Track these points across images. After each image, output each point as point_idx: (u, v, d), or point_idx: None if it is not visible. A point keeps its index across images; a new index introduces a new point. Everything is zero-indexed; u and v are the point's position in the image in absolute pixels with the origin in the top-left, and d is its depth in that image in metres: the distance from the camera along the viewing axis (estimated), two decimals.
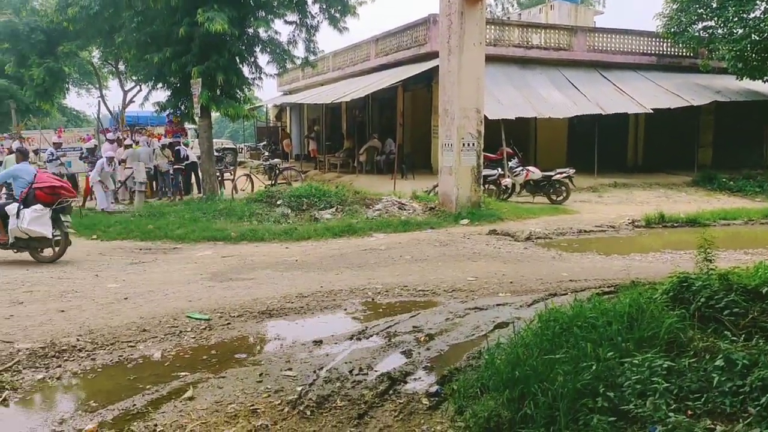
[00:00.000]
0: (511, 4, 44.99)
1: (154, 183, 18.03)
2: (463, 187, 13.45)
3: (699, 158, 22.48)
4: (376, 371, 4.83)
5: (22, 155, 10.42)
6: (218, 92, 15.08)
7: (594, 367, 3.64)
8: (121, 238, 11.57)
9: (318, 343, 5.54)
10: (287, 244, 10.86)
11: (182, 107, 16.45)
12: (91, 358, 5.21)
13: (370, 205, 13.69)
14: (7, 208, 9.33)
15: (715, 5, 19.49)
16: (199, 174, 17.47)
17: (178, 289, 7.56)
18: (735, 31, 19.23)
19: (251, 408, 4.19)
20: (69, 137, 20.64)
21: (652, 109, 19.93)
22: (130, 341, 5.61)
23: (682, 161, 22.29)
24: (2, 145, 18.86)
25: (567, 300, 5.48)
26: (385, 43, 23.74)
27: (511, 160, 17.58)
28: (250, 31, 15.65)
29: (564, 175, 16.40)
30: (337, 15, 16.05)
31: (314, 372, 4.82)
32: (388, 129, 23.60)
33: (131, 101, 27.94)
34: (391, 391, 4.43)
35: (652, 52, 23.15)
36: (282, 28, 46.09)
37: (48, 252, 9.57)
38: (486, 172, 15.19)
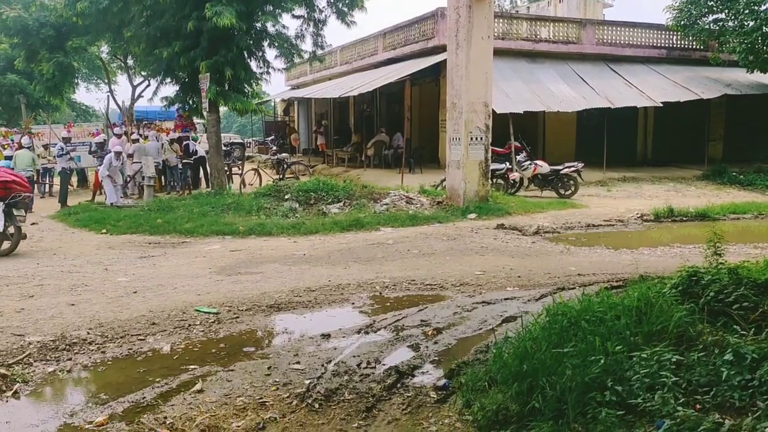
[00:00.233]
0: None
1: (162, 177, 18.11)
2: (471, 181, 13.43)
3: (709, 152, 22.31)
4: (384, 365, 4.84)
5: None
6: (226, 87, 15.11)
7: (602, 361, 3.64)
8: (130, 232, 11.63)
9: (326, 336, 5.56)
10: (295, 238, 10.89)
11: (191, 102, 16.51)
12: (101, 351, 5.26)
13: (378, 199, 13.69)
14: None
15: None
16: (208, 168, 17.52)
17: (186, 282, 7.60)
18: (746, 24, 19.05)
19: (260, 401, 4.22)
20: (78, 132, 20.75)
21: (661, 103, 19.80)
22: (140, 334, 5.65)
23: (691, 155, 22.14)
24: (12, 140, 18.94)
25: (575, 294, 5.46)
26: (393, 37, 23.68)
27: (519, 155, 17.53)
28: (258, 25, 15.65)
29: (572, 169, 16.34)
30: (345, 9, 16.04)
31: (322, 365, 4.83)
32: (396, 123, 23.56)
33: (140, 96, 28.05)
34: (398, 385, 4.45)
35: (662, 45, 22.97)
36: (290, 23, 46.20)
37: (5, 245, 9.64)
38: (494, 166, 15.15)
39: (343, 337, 5.57)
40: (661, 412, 3.21)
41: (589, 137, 21.41)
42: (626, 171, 20.41)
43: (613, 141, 20.62)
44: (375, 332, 5.67)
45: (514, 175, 16.46)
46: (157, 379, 4.64)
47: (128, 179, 16.65)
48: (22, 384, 4.61)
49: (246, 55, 15.58)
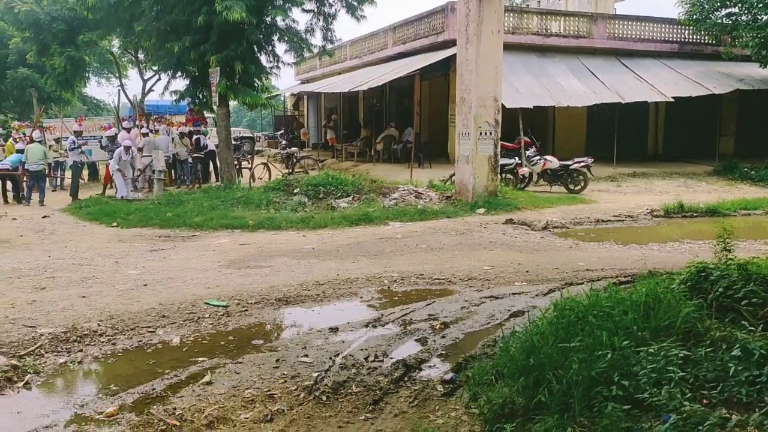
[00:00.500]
0: None
1: (173, 171, 18.19)
2: (480, 176, 13.41)
3: (720, 147, 22.13)
4: (391, 358, 4.86)
5: None
6: (236, 81, 15.12)
7: (609, 356, 3.64)
8: (140, 225, 11.71)
9: (334, 330, 5.59)
10: (304, 232, 10.92)
11: (201, 96, 16.56)
12: (111, 343, 5.31)
13: (387, 193, 13.70)
14: None
15: None
16: (217, 162, 17.58)
17: (196, 276, 7.65)
18: (759, 18, 18.87)
19: (268, 393, 4.26)
20: (90, 126, 20.89)
21: (672, 98, 19.65)
22: (150, 327, 5.70)
23: (703, 150, 21.96)
24: (24, 134, 19.06)
25: (583, 289, 5.45)
26: (403, 31, 23.64)
27: (528, 149, 17.47)
28: (268, 19, 15.64)
29: (582, 164, 16.27)
30: (355, 3, 16.01)
31: (330, 358, 4.87)
32: (406, 118, 23.54)
33: (150, 90, 28.17)
34: (406, 378, 4.47)
35: (674, 39, 22.77)
36: (299, 17, 46.11)
37: None
38: (503, 161, 15.12)
39: (351, 330, 5.60)
40: (668, 407, 3.21)
41: (599, 132, 21.31)
42: (636, 166, 20.29)
43: (623, 136, 20.52)
44: (383, 326, 5.69)
45: (524, 170, 16.41)
46: (167, 371, 4.69)
47: (138, 173, 16.74)
48: (33, 375, 4.66)
49: (256, 50, 15.61)
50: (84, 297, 6.66)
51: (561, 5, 27.58)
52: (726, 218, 11.35)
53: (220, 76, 14.61)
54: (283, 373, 4.60)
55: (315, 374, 4.53)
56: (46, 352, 5.09)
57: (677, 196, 13.87)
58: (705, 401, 3.28)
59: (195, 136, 18.37)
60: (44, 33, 21.68)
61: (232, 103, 18.34)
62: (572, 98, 19.22)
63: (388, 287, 7.13)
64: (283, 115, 37.20)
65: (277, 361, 4.86)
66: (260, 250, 9.35)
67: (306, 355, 4.97)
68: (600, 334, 3.92)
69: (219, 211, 12.39)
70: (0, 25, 30.10)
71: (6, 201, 15.66)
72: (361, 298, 6.77)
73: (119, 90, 26.95)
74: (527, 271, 7.76)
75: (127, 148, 15.18)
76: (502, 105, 14.04)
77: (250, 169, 18.41)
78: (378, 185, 14.44)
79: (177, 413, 3.95)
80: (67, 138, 17.61)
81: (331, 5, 16.27)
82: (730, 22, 20.05)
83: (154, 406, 4.07)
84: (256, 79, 16.17)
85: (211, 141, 18.79)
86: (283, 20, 15.85)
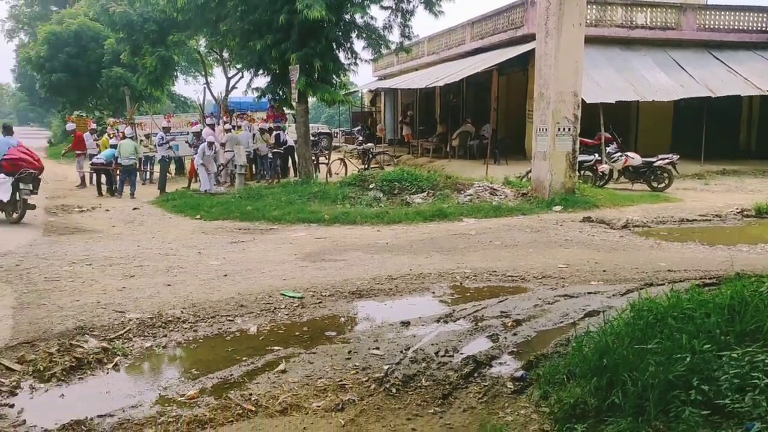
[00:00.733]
0: None
1: (253, 166, 18.75)
2: (557, 172, 13.12)
3: None
4: (461, 354, 4.86)
5: (6, 130, 11.92)
6: (315, 78, 15.42)
7: (688, 359, 3.50)
8: (222, 218, 12.15)
9: (405, 324, 5.63)
10: (378, 227, 11.03)
11: (281, 93, 16.98)
12: (193, 330, 5.57)
13: (462, 190, 13.63)
14: None
15: None
16: (296, 158, 17.98)
17: (273, 267, 7.88)
18: None
19: (339, 383, 4.35)
20: (177, 122, 21.80)
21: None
22: (229, 315, 5.93)
23: None
24: (117, 130, 20.12)
25: (663, 290, 5.26)
26: (481, 26, 23.39)
27: (609, 146, 16.93)
28: (347, 17, 15.86)
29: (666, 161, 15.60)
30: None
31: (401, 352, 4.92)
32: (482, 114, 23.31)
33: (234, 87, 29.10)
34: (476, 374, 4.47)
35: None
36: (378, 14, 46.36)
37: (15, 214, 11.16)
38: (582, 157, 14.72)
39: (422, 325, 5.63)
40: (752, 414, 3.06)
41: (686, 128, 20.40)
42: (726, 164, 19.30)
43: (712, 132, 19.56)
44: (454, 321, 5.69)
45: (603, 167, 15.91)
46: (244, 358, 4.87)
47: (221, 167, 17.35)
48: (121, 357, 4.95)
49: (334, 47, 15.86)
50: (169, 285, 7.00)
51: None
52: None
53: (300, 74, 14.94)
54: (355, 365, 4.69)
55: (386, 367, 4.59)
56: (134, 337, 5.38)
57: None
58: None
59: (275, 132, 18.85)
60: (137, 34, 22.85)
61: (311, 100, 18.73)
62: (658, 93, 18.47)
63: (461, 283, 7.11)
64: (360, 112, 37.60)
65: (349, 352, 4.95)
66: (335, 244, 9.52)
67: (377, 348, 5.04)
68: (679, 337, 3.77)
69: (296, 206, 12.69)
70: (96, 27, 31.99)
71: (100, 193, 16.60)
72: (433, 293, 6.79)
73: (205, 88, 27.97)
74: (604, 271, 7.55)
75: (210, 144, 15.79)
76: (582, 100, 13.67)
77: (327, 164, 18.72)
78: (453, 181, 14.39)
79: (253, 399, 4.10)
80: (156, 134, 18.46)
81: (409, 1, 16.30)
82: None
83: (232, 391, 4.23)
84: (334, 76, 16.42)
85: (290, 137, 19.23)
86: (362, 17, 16.03)
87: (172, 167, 20.13)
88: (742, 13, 21.36)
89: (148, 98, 31.59)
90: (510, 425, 3.69)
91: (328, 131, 35.07)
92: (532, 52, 15.79)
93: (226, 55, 26.08)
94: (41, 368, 4.61)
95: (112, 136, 19.89)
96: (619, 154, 16.25)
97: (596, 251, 8.75)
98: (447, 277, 7.36)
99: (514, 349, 5.00)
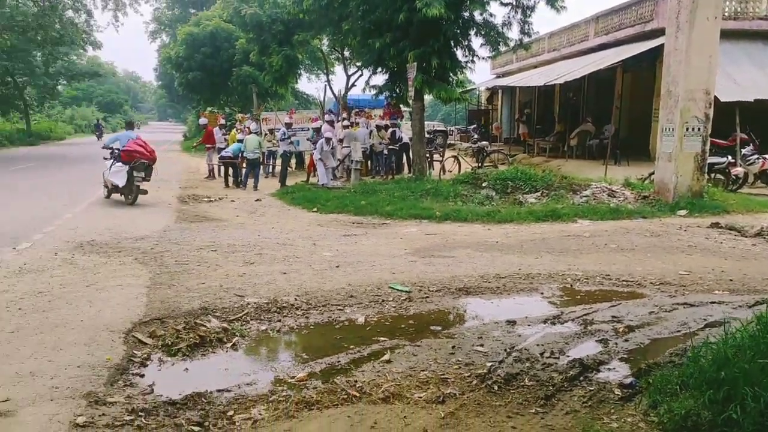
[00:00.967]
0: None
1: (369, 162, 19.15)
2: (684, 174, 12.38)
3: None
4: (567, 356, 4.77)
5: (128, 125, 14.49)
6: (432, 75, 15.50)
7: None
8: (337, 211, 12.55)
9: (511, 323, 5.60)
10: (489, 225, 10.95)
11: (398, 90, 17.23)
12: (305, 316, 5.84)
13: (578, 191, 13.22)
14: (107, 164, 13.15)
15: None
16: (410, 154, 18.18)
17: (383, 261, 8.06)
18: None
19: (442, 377, 4.41)
20: (299, 118, 22.68)
21: None
22: (339, 305, 6.16)
23: None
24: (245, 126, 21.22)
25: None
26: (606, 21, 22.47)
27: (744, 147, 15.72)
28: (466, 14, 15.81)
29: None
30: None
31: (505, 350, 4.90)
32: (604, 112, 22.41)
33: (353, 85, 29.84)
34: (581, 378, 4.37)
35: None
36: (497, 10, 45.59)
37: (130, 196, 12.92)
38: (712, 159, 13.78)
39: (529, 325, 5.57)
40: None
41: None
42: None
43: None
44: (562, 324, 5.58)
45: (737, 170, 14.82)
46: (351, 347, 5.05)
47: (338, 163, 17.88)
48: (239, 338, 5.29)
49: (452, 45, 15.84)
50: (285, 273, 7.35)
51: None
52: None
53: (417, 71, 15.08)
54: (458, 360, 4.73)
55: (489, 364, 4.60)
56: (251, 320, 5.73)
57: None
58: None
59: (390, 129, 19.15)
60: (265, 34, 24.06)
61: (428, 98, 18.82)
62: None
63: (571, 285, 6.94)
64: (476, 109, 37.30)
65: (453, 347, 4.99)
66: (445, 241, 9.56)
67: (481, 345, 5.05)
68: None
69: (409, 202, 12.86)
70: (229, 28, 33.93)
71: (227, 185, 17.63)
72: (542, 294, 6.67)
73: (326, 85, 28.99)
74: (731, 280, 7.08)
75: (328, 140, 16.31)
76: (715, 98, 12.80)
77: (441, 161, 18.76)
78: (569, 182, 13.98)
79: (357, 385, 4.26)
80: (279, 129, 19.33)
81: None
82: None
83: (338, 377, 4.41)
84: (451, 74, 16.43)
85: (405, 134, 19.46)
86: (481, 14, 15.92)
87: (293, 161, 20.96)
88: None
89: (274, 95, 33.04)
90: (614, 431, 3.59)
91: (444, 129, 35.11)
92: (660, 47, 14.97)
93: (347, 53, 26.77)
94: (169, 343, 5.03)
95: (239, 131, 21.04)
96: (756, 156, 15.09)
97: (723, 259, 8.20)
98: (557, 278, 7.21)
99: (624, 356, 4.82)
